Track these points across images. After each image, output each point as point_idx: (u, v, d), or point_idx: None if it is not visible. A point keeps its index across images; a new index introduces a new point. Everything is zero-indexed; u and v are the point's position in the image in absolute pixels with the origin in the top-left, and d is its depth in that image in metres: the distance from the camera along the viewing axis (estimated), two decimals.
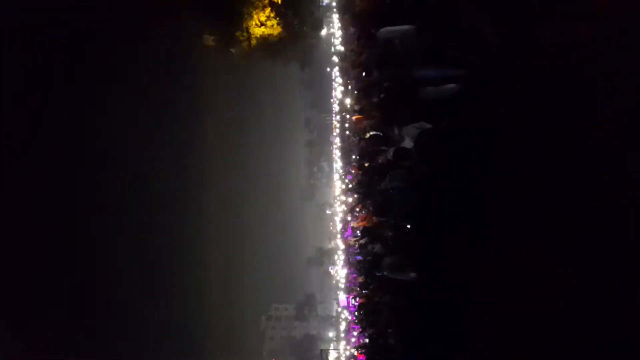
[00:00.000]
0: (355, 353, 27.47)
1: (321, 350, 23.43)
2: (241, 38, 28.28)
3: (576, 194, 3.87)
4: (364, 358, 22.72)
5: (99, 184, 52.00)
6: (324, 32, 42.37)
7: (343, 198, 31.75)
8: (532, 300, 4.15)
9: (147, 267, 56.47)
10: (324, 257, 79.52)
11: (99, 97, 46.89)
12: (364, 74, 11.56)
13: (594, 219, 3.68)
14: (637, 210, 3.36)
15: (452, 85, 5.60)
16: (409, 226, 6.70)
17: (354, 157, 22.03)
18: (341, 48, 30.22)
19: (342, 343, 50.04)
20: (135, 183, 55.28)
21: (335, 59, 37.28)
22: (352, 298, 26.61)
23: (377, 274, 10.31)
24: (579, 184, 3.86)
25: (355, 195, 19.93)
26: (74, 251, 48.82)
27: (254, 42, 28.55)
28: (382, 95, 8.83)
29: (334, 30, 37.48)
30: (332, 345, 53.73)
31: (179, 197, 65.71)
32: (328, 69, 50.19)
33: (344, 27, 27.28)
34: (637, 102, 3.46)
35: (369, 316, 12.74)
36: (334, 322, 66.95)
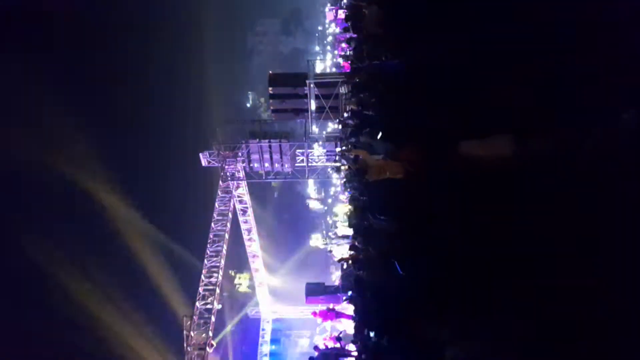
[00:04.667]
0: (341, 62, 29.00)
1: (308, 60, 24.42)
2: None
3: None
4: (348, 66, 24.19)
5: None
6: None
7: None
8: None
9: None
10: None
11: None
12: None
13: None
14: None
15: None
16: None
17: None
18: None
19: (328, 55, 51.64)
20: None
21: None
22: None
23: None
24: None
25: None
26: None
27: None
28: None
29: None
30: (318, 57, 55.60)
31: None
32: None
33: None
34: None
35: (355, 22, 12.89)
36: (319, 35, 67.04)
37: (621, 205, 3.61)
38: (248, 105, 74.88)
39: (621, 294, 3.40)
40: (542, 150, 4.35)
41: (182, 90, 57.73)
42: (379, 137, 9.23)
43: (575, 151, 4.11)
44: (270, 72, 24.97)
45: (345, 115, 21.67)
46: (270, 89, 23.97)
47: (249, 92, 75.43)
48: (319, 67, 51.13)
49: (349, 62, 23.29)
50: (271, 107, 24.46)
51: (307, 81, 22.94)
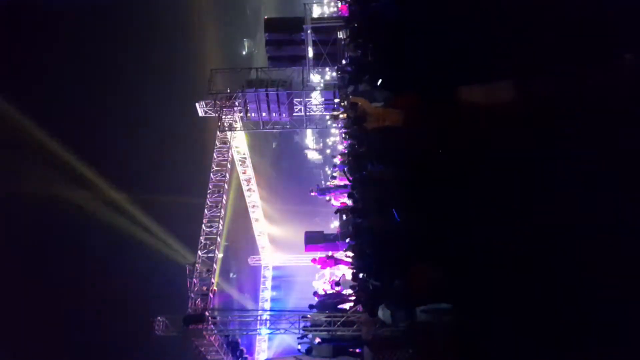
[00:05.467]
0: (339, 5, 27.89)
1: (304, 4, 23.44)
2: None
3: None
4: (346, 9, 23.27)
5: None
6: None
7: None
8: None
9: None
10: None
11: None
12: None
13: None
14: None
15: None
16: None
17: None
18: None
19: None
20: None
21: None
22: None
23: None
24: None
25: None
26: None
27: None
28: None
29: None
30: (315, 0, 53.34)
31: None
32: None
33: None
34: None
35: None
36: None
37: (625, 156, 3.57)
38: (244, 52, 72.82)
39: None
40: (544, 95, 4.26)
41: (176, 38, 55.88)
42: (378, 84, 9.04)
43: (576, 96, 4.02)
44: (266, 17, 24.08)
45: (344, 62, 21.13)
46: (265, 35, 23.18)
47: (245, 39, 73.15)
48: (316, 12, 49.20)
49: (347, 5, 22.39)
50: (267, 55, 23.77)
51: (304, 26, 22.15)
